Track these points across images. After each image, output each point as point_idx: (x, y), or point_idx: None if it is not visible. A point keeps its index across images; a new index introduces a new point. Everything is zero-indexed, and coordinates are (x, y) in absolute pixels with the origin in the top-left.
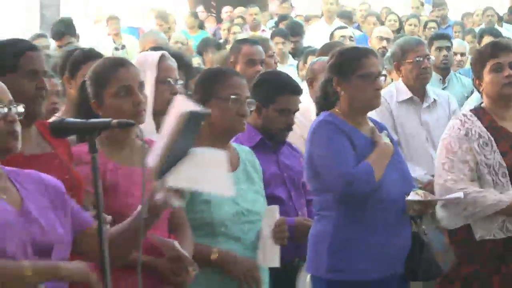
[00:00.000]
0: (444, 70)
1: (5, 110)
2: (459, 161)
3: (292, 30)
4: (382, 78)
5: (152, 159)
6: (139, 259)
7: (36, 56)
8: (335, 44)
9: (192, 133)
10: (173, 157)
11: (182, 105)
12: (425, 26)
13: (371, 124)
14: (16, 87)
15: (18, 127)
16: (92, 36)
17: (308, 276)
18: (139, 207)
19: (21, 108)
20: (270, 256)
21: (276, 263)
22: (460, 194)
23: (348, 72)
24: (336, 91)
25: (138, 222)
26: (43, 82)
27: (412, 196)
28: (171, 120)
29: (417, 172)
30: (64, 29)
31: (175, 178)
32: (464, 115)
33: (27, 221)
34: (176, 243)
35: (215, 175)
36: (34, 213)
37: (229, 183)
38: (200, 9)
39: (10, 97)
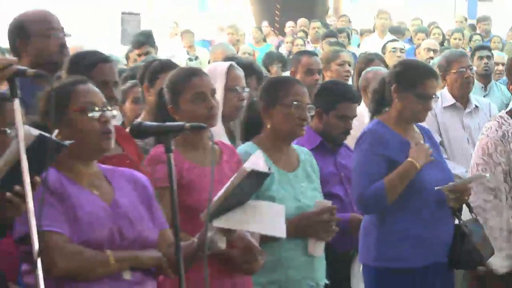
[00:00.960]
0: (485, 78)
1: (100, 112)
2: (493, 163)
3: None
4: (435, 99)
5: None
6: (206, 254)
7: (107, 67)
8: (370, 56)
9: (251, 188)
10: (228, 204)
11: (252, 162)
12: (470, 39)
13: (417, 130)
14: None
15: (112, 128)
16: (169, 49)
17: (361, 265)
18: (196, 239)
19: (114, 112)
20: (317, 247)
21: (320, 253)
22: (485, 174)
23: (409, 86)
24: (391, 96)
25: (191, 249)
26: (112, 92)
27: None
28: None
29: (458, 169)
30: (144, 39)
31: (225, 221)
32: (501, 116)
33: (117, 215)
34: (247, 235)
35: (268, 220)
36: (124, 208)
37: (283, 227)
38: (264, 24)
39: (104, 100)
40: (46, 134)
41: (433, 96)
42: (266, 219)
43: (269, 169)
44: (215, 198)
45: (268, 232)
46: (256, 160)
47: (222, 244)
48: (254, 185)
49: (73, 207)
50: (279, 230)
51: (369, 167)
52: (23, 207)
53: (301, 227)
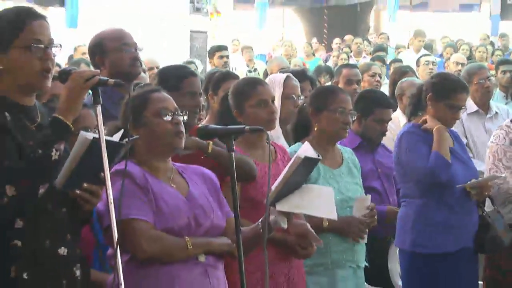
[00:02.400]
0: (507, 88)
1: (172, 116)
2: (503, 166)
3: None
4: (463, 110)
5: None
6: (264, 238)
7: (195, 80)
8: (404, 68)
9: (305, 173)
10: (287, 189)
11: (303, 151)
12: (492, 54)
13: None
14: (177, 103)
15: (183, 129)
16: (231, 62)
17: (397, 250)
18: (259, 223)
19: (184, 117)
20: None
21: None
22: (501, 175)
23: (442, 96)
24: (426, 103)
25: (256, 231)
26: (199, 101)
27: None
28: (291, 161)
29: (482, 167)
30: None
31: (286, 204)
32: (507, 126)
33: (192, 205)
34: (305, 223)
35: (321, 203)
36: (198, 199)
37: (333, 209)
38: (314, 40)
39: (175, 106)
40: (108, 137)
41: (462, 107)
42: (319, 202)
43: (318, 155)
44: (275, 185)
45: (321, 214)
46: (306, 149)
47: (284, 224)
48: (307, 170)
49: (156, 199)
50: (331, 212)
51: (420, 150)
52: (95, 201)
53: (342, 231)
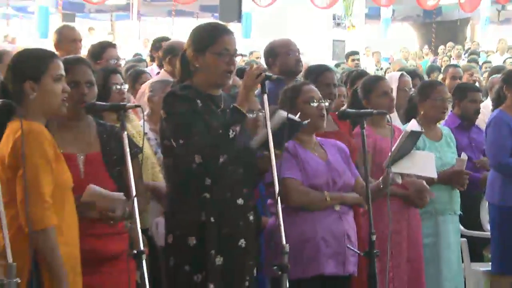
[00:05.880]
0: None
1: (318, 103)
2: None
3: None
4: None
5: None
6: (388, 193)
7: (330, 75)
8: (499, 67)
9: (412, 143)
10: (399, 155)
11: (410, 126)
12: None
13: None
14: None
15: (325, 112)
16: (363, 63)
17: (487, 203)
18: (381, 180)
19: (326, 103)
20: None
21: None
22: None
23: None
24: (505, 93)
25: (379, 186)
26: (332, 91)
27: None
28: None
29: None
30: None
31: (398, 167)
32: None
33: (330, 168)
34: (421, 180)
35: (425, 165)
36: (334, 164)
37: (434, 170)
38: (425, 47)
39: (320, 95)
40: (292, 116)
41: None
42: (423, 164)
43: (422, 129)
44: (391, 152)
45: (425, 174)
46: (412, 124)
47: (398, 180)
48: (413, 141)
49: (303, 162)
50: (432, 172)
51: (503, 138)
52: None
53: (448, 180)
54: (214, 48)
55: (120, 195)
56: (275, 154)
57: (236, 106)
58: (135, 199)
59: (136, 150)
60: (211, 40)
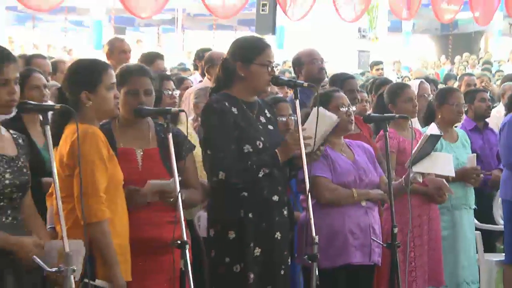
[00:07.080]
0: None
1: (346, 108)
2: None
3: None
4: None
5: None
6: (408, 191)
7: (353, 82)
8: (510, 76)
9: (431, 145)
10: (420, 156)
11: (430, 130)
12: None
13: None
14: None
15: (353, 117)
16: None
17: (500, 199)
18: (403, 179)
19: (352, 108)
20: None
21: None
22: None
23: None
24: None
25: (400, 184)
26: (356, 96)
27: None
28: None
29: None
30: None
31: (419, 166)
32: None
33: (357, 168)
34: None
35: (443, 165)
36: (360, 163)
37: (452, 169)
38: (443, 57)
39: (348, 101)
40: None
41: None
42: (442, 164)
43: (440, 132)
44: (412, 153)
45: (444, 173)
46: (432, 128)
47: (419, 179)
48: (432, 143)
49: (332, 162)
50: (450, 171)
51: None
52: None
53: (461, 177)
54: (260, 60)
55: (172, 180)
56: (319, 149)
57: (277, 153)
58: (179, 194)
59: (190, 146)
60: (257, 52)
